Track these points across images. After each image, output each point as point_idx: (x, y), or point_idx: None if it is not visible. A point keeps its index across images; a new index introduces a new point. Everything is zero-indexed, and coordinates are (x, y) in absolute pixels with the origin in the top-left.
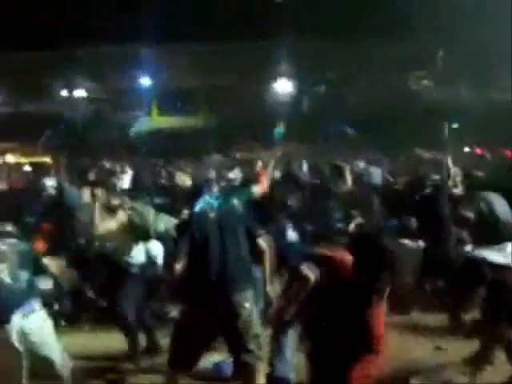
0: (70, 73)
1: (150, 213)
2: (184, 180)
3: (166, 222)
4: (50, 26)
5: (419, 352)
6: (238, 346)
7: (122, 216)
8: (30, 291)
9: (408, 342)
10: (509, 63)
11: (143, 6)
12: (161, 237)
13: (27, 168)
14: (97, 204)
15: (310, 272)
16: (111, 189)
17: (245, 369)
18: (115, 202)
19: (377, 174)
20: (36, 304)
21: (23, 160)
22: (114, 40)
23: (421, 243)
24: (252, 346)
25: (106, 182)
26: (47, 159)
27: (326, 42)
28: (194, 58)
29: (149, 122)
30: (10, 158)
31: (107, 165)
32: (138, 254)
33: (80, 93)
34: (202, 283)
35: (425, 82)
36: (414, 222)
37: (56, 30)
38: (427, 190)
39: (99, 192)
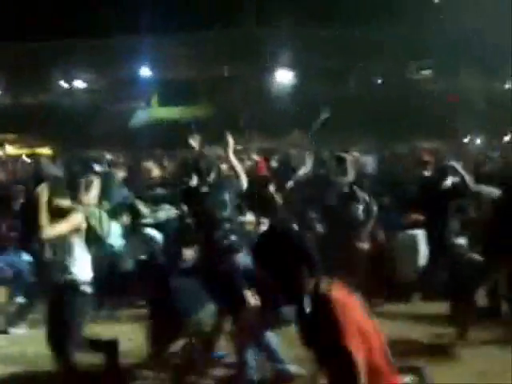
0: (69, 64)
1: (102, 215)
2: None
3: (166, 211)
4: (49, 17)
5: (418, 338)
6: None
7: (74, 218)
8: None
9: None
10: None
11: None
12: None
13: (26, 159)
14: (40, 204)
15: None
16: (59, 189)
17: None
18: (65, 202)
19: (369, 163)
20: None
21: (22, 151)
22: (113, 31)
23: (420, 232)
24: None
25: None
26: (45, 150)
27: (326, 31)
28: (194, 48)
29: (149, 112)
30: (9, 149)
31: (107, 156)
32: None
33: (79, 84)
34: None
35: (425, 71)
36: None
37: (55, 21)
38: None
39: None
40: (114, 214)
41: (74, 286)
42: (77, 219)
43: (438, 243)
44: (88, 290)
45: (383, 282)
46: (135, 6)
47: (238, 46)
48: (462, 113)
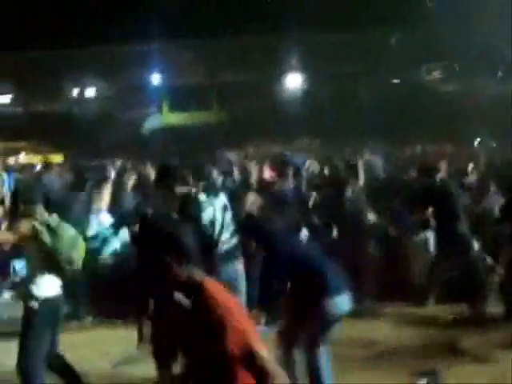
0: (80, 72)
1: (67, 235)
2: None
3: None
4: (59, 25)
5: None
6: None
7: (24, 227)
8: None
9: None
10: None
11: (152, 2)
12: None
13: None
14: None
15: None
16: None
17: None
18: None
19: (378, 165)
20: None
21: (34, 159)
22: (123, 38)
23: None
24: None
25: None
26: (58, 158)
27: (337, 35)
28: (205, 54)
29: (160, 118)
30: (22, 158)
31: (118, 162)
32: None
33: (90, 92)
34: None
35: (437, 73)
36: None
37: (65, 29)
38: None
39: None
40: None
41: (24, 300)
42: (24, 230)
43: (450, 246)
44: (36, 306)
45: (397, 285)
46: (146, 13)
47: (248, 51)
48: (473, 115)
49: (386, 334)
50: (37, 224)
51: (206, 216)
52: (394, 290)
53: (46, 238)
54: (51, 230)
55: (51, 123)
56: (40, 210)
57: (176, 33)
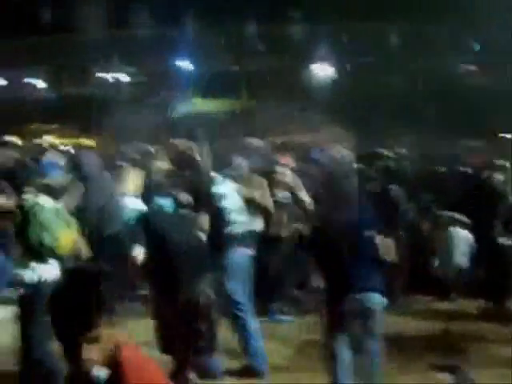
0: (112, 57)
1: (39, 218)
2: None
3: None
4: (90, 9)
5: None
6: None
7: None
8: None
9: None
10: None
11: None
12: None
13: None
14: None
15: None
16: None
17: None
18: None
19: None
20: None
21: (63, 141)
22: (154, 23)
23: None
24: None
25: None
26: (88, 141)
27: (365, 24)
28: (235, 41)
29: (189, 105)
30: (51, 140)
31: (149, 147)
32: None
33: (121, 76)
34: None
35: (465, 64)
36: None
37: (96, 13)
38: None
39: None
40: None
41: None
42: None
43: (483, 243)
44: (22, 292)
45: (424, 279)
46: None
47: (278, 39)
48: (506, 108)
49: (412, 327)
50: (17, 202)
51: (219, 196)
52: (421, 284)
53: (18, 218)
54: (24, 211)
55: (82, 107)
56: (29, 191)
57: (207, 19)
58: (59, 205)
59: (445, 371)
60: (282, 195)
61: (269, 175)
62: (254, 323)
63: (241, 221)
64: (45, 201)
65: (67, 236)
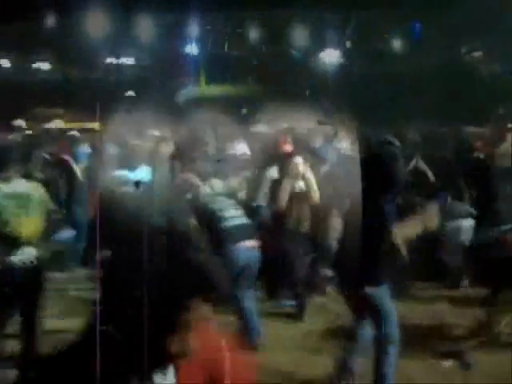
0: (117, 40)
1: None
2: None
3: None
4: None
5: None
6: None
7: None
8: None
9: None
10: None
11: None
12: None
13: (74, 133)
14: None
15: None
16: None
17: None
18: None
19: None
20: None
21: (69, 125)
22: (161, 7)
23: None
24: None
25: None
26: (93, 125)
27: (375, 12)
28: (244, 27)
29: (196, 89)
30: (57, 124)
31: (155, 132)
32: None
33: (127, 60)
34: None
35: (477, 54)
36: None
37: None
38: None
39: None
40: None
41: None
42: None
43: (488, 231)
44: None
45: (432, 266)
46: None
47: (288, 25)
48: None
49: (419, 314)
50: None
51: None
52: (429, 272)
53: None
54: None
55: (89, 91)
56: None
57: (214, 4)
58: (28, 191)
59: (449, 357)
60: (298, 186)
61: (281, 165)
62: (251, 303)
63: (232, 216)
64: (3, 187)
65: (26, 223)
